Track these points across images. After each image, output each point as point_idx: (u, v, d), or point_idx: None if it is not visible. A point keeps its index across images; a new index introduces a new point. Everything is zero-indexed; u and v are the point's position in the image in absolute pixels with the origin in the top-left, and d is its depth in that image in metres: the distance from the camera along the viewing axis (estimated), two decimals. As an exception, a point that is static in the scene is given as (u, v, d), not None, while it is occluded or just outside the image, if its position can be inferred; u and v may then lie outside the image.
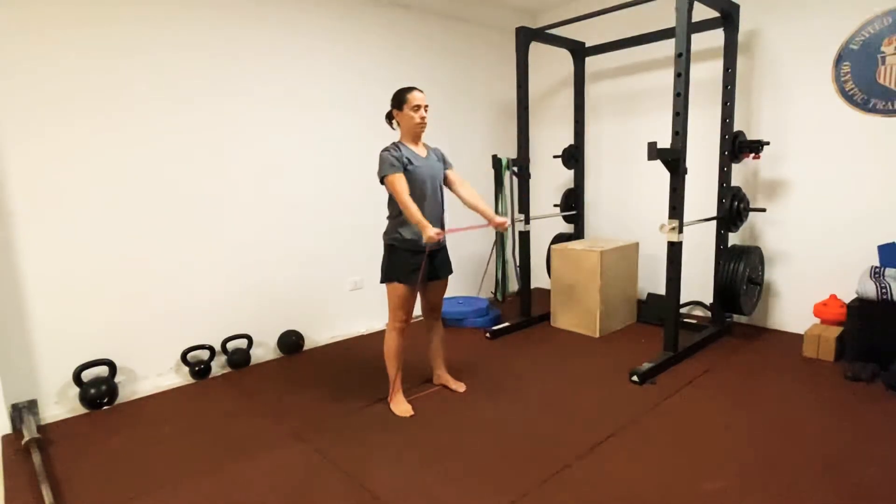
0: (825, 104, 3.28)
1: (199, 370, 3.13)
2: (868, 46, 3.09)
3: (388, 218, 2.59)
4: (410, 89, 2.51)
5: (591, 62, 4.32)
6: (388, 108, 2.57)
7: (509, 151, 4.74)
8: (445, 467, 2.15)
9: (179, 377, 3.16)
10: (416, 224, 2.37)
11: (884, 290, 2.85)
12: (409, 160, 2.46)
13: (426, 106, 2.51)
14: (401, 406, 2.64)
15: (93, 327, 2.85)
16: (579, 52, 4.21)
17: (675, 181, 2.97)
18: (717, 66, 3.47)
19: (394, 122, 2.60)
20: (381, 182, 2.48)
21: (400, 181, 2.41)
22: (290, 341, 3.53)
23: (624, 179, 4.39)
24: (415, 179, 2.47)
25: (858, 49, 3.13)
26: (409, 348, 2.78)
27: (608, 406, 2.64)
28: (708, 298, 3.76)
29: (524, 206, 3.83)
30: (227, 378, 3.18)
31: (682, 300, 3.68)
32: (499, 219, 2.61)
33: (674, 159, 2.91)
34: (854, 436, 2.28)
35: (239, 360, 3.29)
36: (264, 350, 3.50)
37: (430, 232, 2.33)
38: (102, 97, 2.78)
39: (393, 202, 2.53)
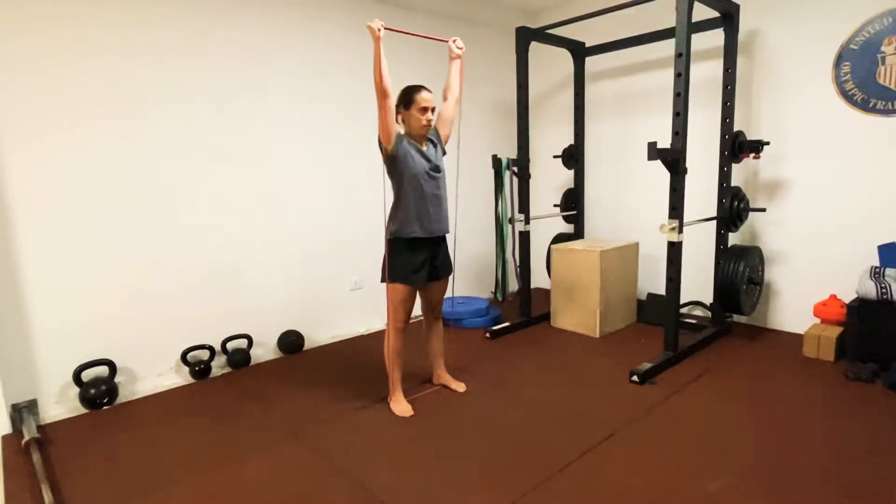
0: (825, 104, 3.28)
1: (199, 370, 3.13)
2: (868, 46, 3.09)
3: (392, 209, 2.50)
4: (419, 88, 2.41)
5: (591, 62, 4.31)
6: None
7: (509, 151, 4.73)
8: (445, 467, 2.15)
9: (179, 377, 3.16)
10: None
11: (884, 290, 2.85)
12: (410, 153, 2.41)
13: (433, 108, 2.42)
14: (401, 406, 2.63)
15: (93, 327, 2.85)
16: (579, 52, 4.21)
17: (675, 181, 2.97)
18: (717, 66, 3.47)
19: (399, 117, 2.49)
20: (390, 159, 2.40)
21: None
22: (290, 341, 3.53)
23: (624, 179, 4.39)
24: (413, 173, 2.41)
25: (858, 49, 3.13)
26: (409, 348, 2.77)
27: (608, 406, 2.64)
28: (708, 298, 3.76)
29: (524, 206, 3.82)
30: (227, 378, 3.18)
31: (682, 300, 3.68)
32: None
33: (674, 159, 2.92)
34: (854, 436, 2.28)
35: (239, 360, 3.29)
36: (264, 350, 3.50)
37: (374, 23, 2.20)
38: (103, 98, 2.78)
39: (397, 195, 2.48)
